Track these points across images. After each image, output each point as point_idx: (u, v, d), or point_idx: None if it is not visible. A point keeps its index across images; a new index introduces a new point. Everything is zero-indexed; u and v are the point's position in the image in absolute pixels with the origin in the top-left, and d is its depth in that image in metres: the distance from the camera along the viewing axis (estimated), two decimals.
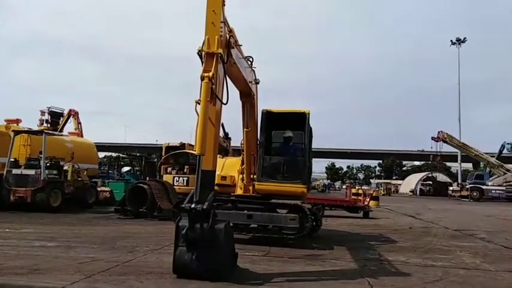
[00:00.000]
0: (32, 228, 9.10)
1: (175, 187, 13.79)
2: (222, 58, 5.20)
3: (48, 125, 25.40)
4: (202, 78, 4.89)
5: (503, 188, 37.27)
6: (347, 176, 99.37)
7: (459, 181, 46.34)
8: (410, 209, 20.03)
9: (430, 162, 51.32)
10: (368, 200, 17.06)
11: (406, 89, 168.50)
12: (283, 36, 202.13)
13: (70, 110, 26.88)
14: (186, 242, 4.49)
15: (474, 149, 39.94)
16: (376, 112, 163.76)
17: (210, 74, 4.87)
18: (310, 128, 8.01)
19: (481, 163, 48.21)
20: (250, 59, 7.17)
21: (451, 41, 53.12)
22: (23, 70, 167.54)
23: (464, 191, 38.79)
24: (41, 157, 13.13)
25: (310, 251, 6.96)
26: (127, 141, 78.11)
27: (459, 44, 52.44)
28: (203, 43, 5.09)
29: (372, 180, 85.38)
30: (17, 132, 14.04)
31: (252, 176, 8.12)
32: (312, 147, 8.31)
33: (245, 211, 7.45)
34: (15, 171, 13.07)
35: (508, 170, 38.23)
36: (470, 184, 39.35)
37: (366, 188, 33.58)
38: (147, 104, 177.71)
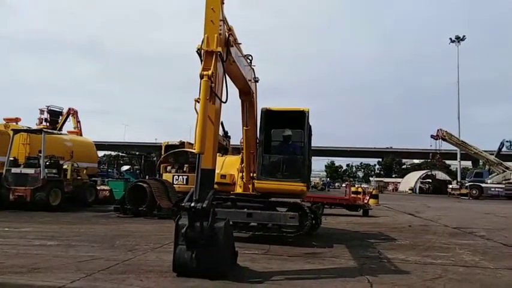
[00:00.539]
0: (32, 227, 9.10)
1: (174, 186, 13.77)
2: (221, 56, 5.18)
3: (47, 124, 25.44)
4: (201, 77, 4.86)
5: (503, 185, 37.38)
6: (346, 175, 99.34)
7: (458, 179, 46.35)
8: (409, 207, 20.06)
9: (429, 160, 51.40)
10: (367, 198, 17.06)
11: (405, 87, 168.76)
12: (284, 36, 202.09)
13: (69, 109, 26.91)
14: (186, 241, 4.49)
15: (473, 147, 40.04)
16: (375, 111, 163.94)
17: (210, 72, 4.85)
18: (310, 126, 8.01)
19: (481, 161, 48.43)
20: (250, 57, 7.16)
21: (450, 39, 53.38)
22: (22, 69, 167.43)
23: (463, 189, 38.76)
24: (40, 156, 13.12)
25: (310, 249, 6.97)
26: (126, 139, 77.97)
27: (458, 42, 52.64)
28: (202, 41, 5.07)
29: (371, 179, 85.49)
30: (16, 131, 14.04)
31: (251, 175, 8.11)
32: (312, 145, 8.30)
33: (245, 209, 7.46)
34: (14, 170, 13.07)
35: (507, 168, 38.33)
36: (469, 182, 39.39)
37: (365, 186, 33.59)
38: (147, 103, 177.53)
